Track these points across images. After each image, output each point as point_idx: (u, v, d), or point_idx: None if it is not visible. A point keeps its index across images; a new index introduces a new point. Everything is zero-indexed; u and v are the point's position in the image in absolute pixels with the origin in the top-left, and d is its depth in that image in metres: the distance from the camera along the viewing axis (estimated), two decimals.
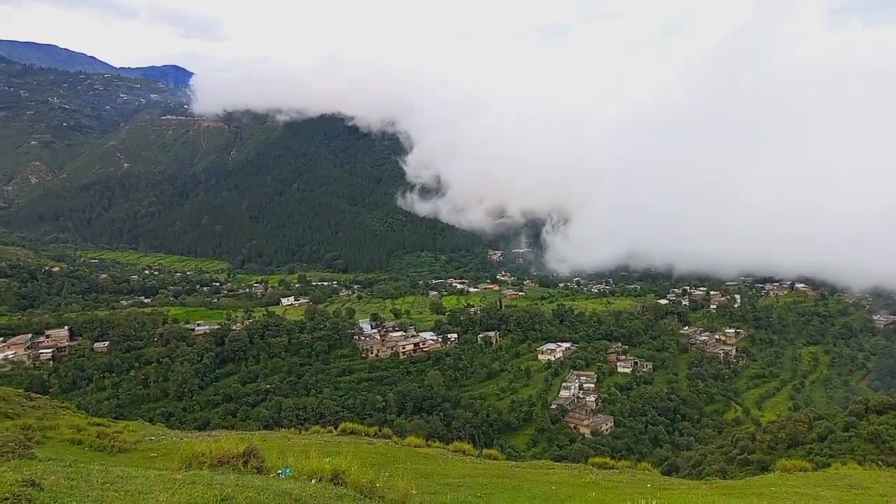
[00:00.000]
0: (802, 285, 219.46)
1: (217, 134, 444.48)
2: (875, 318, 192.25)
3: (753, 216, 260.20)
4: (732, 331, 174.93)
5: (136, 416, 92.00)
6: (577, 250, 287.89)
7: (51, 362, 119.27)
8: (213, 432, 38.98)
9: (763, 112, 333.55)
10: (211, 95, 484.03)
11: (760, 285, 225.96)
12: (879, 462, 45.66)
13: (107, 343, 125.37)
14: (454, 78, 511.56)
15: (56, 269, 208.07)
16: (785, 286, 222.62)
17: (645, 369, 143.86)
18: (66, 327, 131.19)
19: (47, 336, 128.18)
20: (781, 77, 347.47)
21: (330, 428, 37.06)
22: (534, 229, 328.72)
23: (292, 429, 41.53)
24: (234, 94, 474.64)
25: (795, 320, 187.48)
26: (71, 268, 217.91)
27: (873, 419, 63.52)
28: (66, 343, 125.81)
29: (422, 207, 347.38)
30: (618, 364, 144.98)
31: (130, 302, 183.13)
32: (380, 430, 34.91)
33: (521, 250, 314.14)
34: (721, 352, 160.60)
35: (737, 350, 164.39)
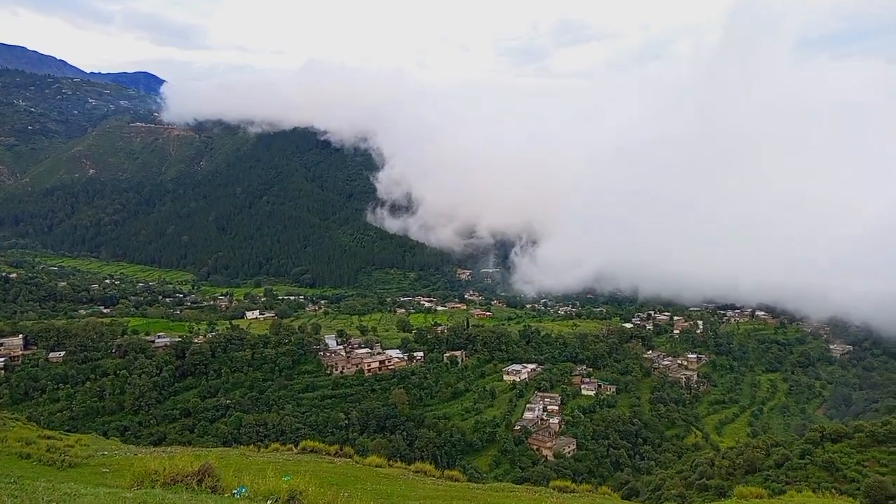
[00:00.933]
0: (762, 313, 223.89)
1: (187, 143, 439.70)
2: (832, 347, 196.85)
3: (717, 243, 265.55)
4: (694, 356, 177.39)
5: (89, 430, 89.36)
6: (544, 272, 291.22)
7: (2, 371, 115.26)
8: (169, 448, 38.07)
9: (729, 141, 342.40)
10: (182, 104, 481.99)
11: (722, 312, 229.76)
12: (833, 490, 46.55)
13: (63, 353, 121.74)
14: (429, 96, 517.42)
15: (13, 275, 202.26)
16: (746, 313, 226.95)
17: (608, 392, 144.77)
18: (20, 335, 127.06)
19: (0, 344, 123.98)
20: (750, 107, 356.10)
21: (290, 446, 36.46)
22: (503, 250, 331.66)
23: (251, 446, 40.72)
24: (206, 103, 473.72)
25: (755, 347, 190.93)
26: (29, 275, 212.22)
27: (828, 447, 64.80)
28: (21, 352, 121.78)
29: (392, 224, 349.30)
30: (582, 386, 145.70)
31: (89, 311, 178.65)
32: (341, 449, 34.47)
33: (490, 270, 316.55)
34: (683, 377, 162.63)
35: (698, 375, 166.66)
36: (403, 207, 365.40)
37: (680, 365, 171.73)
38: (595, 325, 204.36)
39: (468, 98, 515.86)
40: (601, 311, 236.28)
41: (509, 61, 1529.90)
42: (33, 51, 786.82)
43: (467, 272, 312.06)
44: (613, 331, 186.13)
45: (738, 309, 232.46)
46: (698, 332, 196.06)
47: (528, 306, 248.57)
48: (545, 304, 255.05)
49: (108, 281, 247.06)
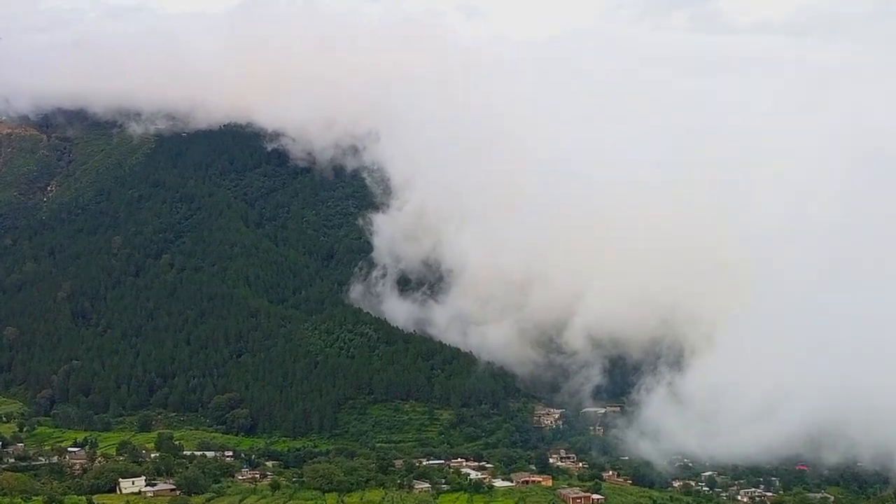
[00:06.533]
0: None
1: (24, 151, 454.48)
2: None
3: None
4: None
5: None
6: (705, 419, 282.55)
7: None
8: None
9: None
10: (16, 78, 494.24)
11: None
12: None
13: None
14: (482, 69, 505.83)
15: None
16: None
17: None
18: None
19: None
20: None
21: None
22: (621, 373, 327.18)
23: None
24: (60, 77, 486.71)
25: None
26: None
27: None
28: None
29: (402, 311, 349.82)
30: None
31: None
32: None
33: (599, 411, 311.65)
34: None
35: None
36: (426, 282, 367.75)
37: None
38: None
39: (560, 70, 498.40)
40: (824, 497, 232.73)
41: (640, 3, 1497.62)
42: None
43: (554, 413, 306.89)
44: None
45: None
46: None
47: (676, 484, 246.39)
48: (711, 481, 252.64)
49: None
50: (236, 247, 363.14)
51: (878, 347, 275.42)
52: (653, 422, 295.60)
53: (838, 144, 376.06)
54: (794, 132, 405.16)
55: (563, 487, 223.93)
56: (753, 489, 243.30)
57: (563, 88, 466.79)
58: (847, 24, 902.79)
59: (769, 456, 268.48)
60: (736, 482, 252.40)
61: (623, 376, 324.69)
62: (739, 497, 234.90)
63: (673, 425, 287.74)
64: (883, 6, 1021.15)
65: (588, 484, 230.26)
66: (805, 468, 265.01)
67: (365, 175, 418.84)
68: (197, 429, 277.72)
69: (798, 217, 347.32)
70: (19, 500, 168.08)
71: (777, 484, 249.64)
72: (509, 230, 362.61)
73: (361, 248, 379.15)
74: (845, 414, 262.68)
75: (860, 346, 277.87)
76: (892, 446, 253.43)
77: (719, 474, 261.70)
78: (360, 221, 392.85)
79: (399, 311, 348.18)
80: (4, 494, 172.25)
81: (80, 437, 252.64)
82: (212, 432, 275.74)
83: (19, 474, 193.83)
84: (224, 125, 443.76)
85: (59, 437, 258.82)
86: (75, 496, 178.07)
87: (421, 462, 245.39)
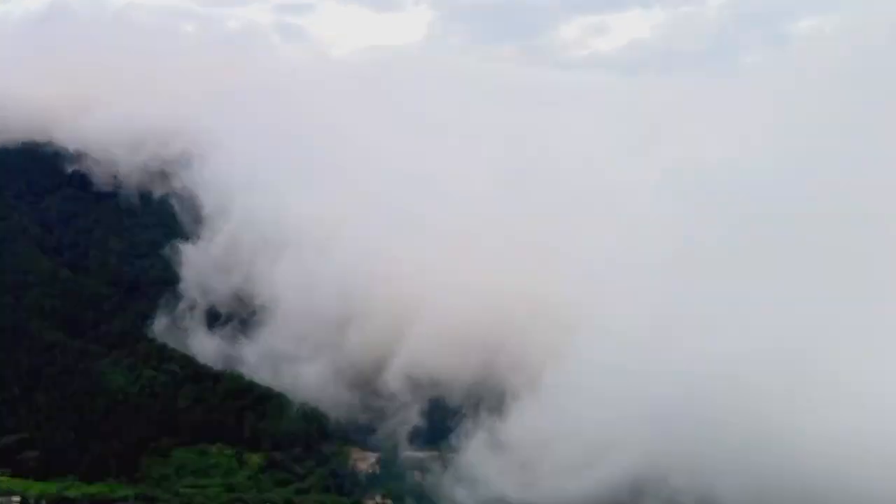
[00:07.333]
0: None
1: None
2: None
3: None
4: None
5: None
6: (525, 467, 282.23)
7: None
8: None
9: None
10: None
11: None
12: None
13: None
14: (300, 88, 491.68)
15: None
16: None
17: None
18: None
19: None
20: None
21: None
22: (441, 416, 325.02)
23: None
24: None
25: None
26: None
27: None
28: None
29: (212, 349, 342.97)
30: None
31: None
32: None
33: (420, 455, 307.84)
34: None
35: None
36: (235, 316, 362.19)
37: None
38: None
39: (386, 97, 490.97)
40: None
41: (467, 33, 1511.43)
42: None
43: (371, 457, 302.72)
44: None
45: None
46: None
47: None
48: None
49: None
50: (31, 275, 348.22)
51: (702, 394, 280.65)
52: (471, 468, 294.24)
53: (670, 182, 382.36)
54: (626, 169, 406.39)
55: None
56: None
57: (388, 115, 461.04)
58: (679, 62, 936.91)
59: (594, 496, 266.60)
60: None
61: (442, 420, 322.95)
62: None
63: (492, 472, 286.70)
64: (715, 45, 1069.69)
65: None
66: None
67: (174, 202, 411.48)
68: None
69: (628, 258, 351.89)
70: None
71: None
72: (327, 265, 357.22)
73: (168, 280, 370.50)
74: (669, 461, 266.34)
75: (685, 392, 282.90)
76: (714, 494, 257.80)
77: None
78: (168, 251, 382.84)
79: (207, 347, 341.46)
80: None
81: None
82: None
83: None
84: (21, 143, 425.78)
85: None
86: None
87: None
